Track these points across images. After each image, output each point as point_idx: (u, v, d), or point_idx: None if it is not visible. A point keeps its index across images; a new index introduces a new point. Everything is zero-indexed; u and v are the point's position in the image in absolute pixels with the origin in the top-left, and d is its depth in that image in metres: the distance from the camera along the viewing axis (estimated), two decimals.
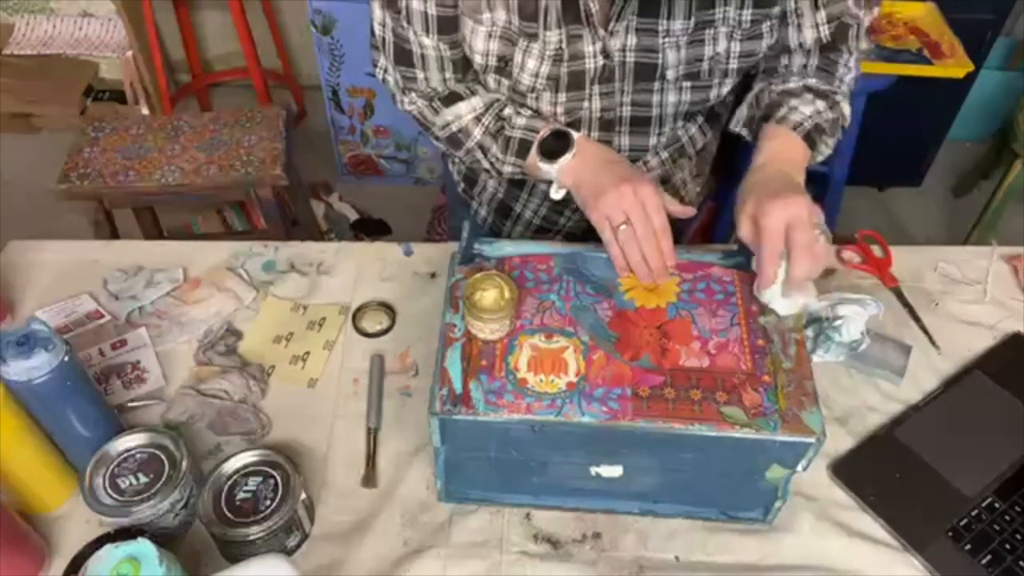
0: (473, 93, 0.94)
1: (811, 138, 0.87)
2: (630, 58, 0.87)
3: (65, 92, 2.56)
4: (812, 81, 0.91)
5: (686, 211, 0.85)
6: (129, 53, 2.50)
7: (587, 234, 0.84)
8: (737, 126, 0.97)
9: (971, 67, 1.93)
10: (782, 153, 0.86)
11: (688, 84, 0.91)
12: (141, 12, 2.39)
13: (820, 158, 0.91)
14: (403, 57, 0.91)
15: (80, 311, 1.02)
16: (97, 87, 2.71)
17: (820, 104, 0.89)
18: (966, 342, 1.01)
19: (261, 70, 2.51)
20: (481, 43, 0.87)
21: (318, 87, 2.38)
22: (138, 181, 1.73)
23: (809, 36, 0.90)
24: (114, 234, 1.79)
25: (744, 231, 0.80)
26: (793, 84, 0.91)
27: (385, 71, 0.96)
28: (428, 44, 0.88)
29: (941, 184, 2.55)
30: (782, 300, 0.79)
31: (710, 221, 2.23)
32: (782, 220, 0.76)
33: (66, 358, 0.76)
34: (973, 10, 2.05)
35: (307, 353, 0.99)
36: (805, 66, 0.93)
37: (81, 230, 1.77)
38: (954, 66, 1.94)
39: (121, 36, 2.52)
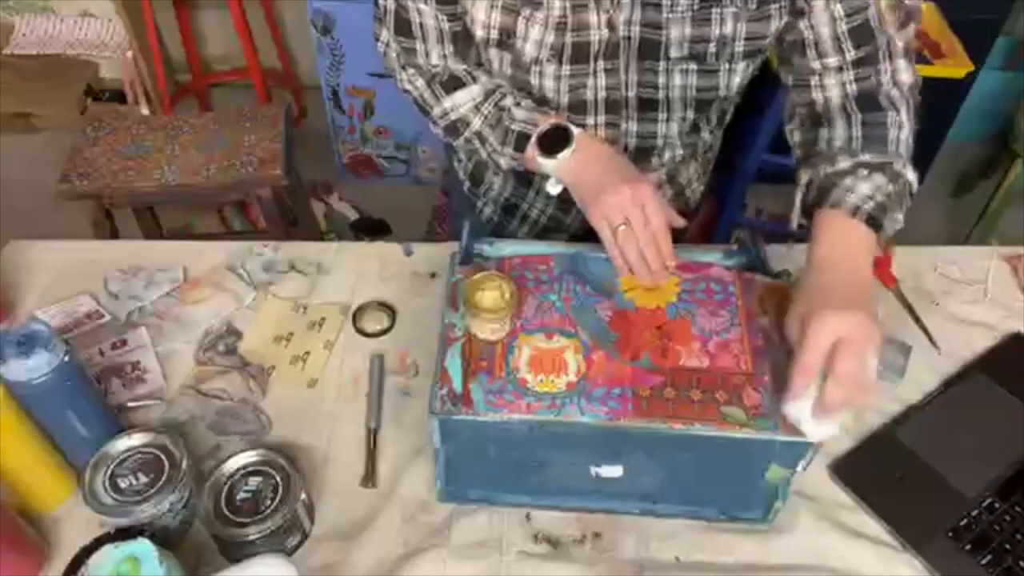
0: (474, 80, 0.93)
1: (875, 220, 0.78)
2: (635, 32, 0.85)
3: (65, 92, 2.56)
4: (865, 157, 0.82)
5: (681, 221, 0.84)
6: (129, 53, 2.50)
7: (592, 234, 0.84)
8: (798, 218, 0.87)
9: (971, 67, 1.93)
10: (843, 246, 0.78)
11: (694, 66, 0.88)
12: (141, 12, 2.39)
13: (891, 233, 0.81)
14: (403, 26, 0.91)
15: (80, 311, 1.02)
16: (97, 87, 2.71)
17: (879, 179, 0.80)
18: (966, 342, 1.01)
19: (261, 70, 2.51)
20: (483, 14, 0.86)
21: (318, 87, 2.38)
22: (138, 181, 1.73)
23: (826, 32, 0.84)
24: (114, 234, 1.79)
25: (792, 331, 0.73)
26: (843, 164, 0.83)
27: (387, 44, 0.95)
28: (427, 12, 0.88)
29: (941, 184, 2.55)
30: (811, 422, 0.70)
31: (710, 220, 2.24)
32: (832, 334, 0.68)
33: (66, 358, 0.76)
34: (973, 10, 2.05)
35: (307, 353, 0.99)
36: (850, 138, 0.85)
37: (81, 230, 1.76)
38: (954, 66, 1.93)
39: (121, 36, 2.52)
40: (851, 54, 0.85)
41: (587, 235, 0.87)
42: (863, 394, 0.69)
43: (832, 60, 0.86)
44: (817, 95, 0.89)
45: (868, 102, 0.86)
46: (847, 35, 0.84)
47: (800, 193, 0.86)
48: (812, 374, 0.69)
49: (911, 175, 0.83)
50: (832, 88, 0.88)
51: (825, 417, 0.69)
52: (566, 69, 0.89)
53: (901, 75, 0.87)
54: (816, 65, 0.87)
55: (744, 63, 0.89)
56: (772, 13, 0.84)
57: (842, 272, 0.76)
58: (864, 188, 0.79)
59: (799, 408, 0.70)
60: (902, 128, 0.85)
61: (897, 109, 0.86)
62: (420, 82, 0.95)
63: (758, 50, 0.88)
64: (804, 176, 0.86)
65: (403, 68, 0.95)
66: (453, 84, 0.93)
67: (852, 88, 0.87)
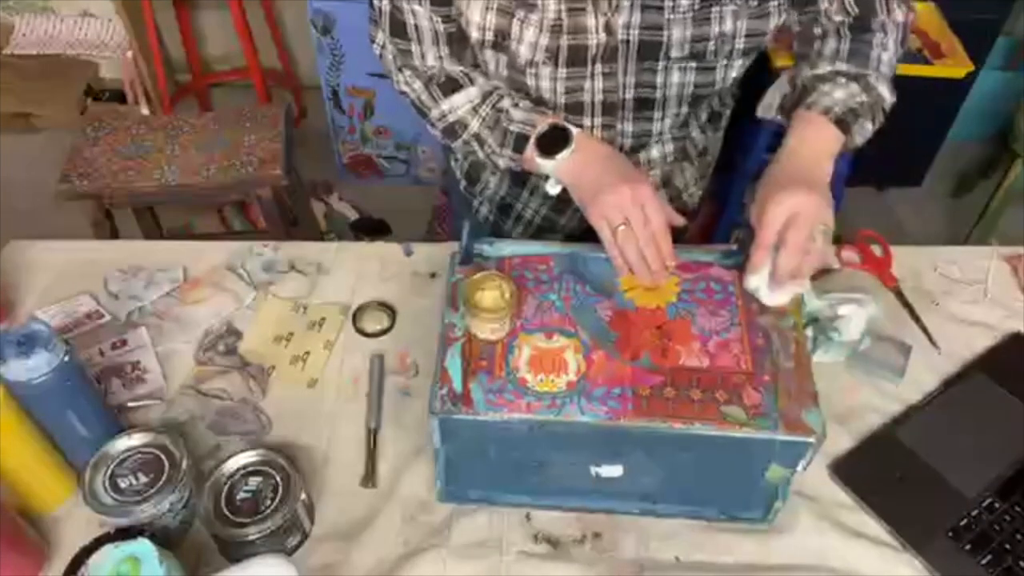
0: (471, 81, 0.93)
1: (844, 123, 0.85)
2: (634, 36, 0.85)
3: (65, 92, 2.55)
4: (843, 66, 0.89)
5: (680, 220, 0.85)
6: (129, 53, 2.50)
7: (587, 234, 0.84)
8: (768, 112, 0.95)
9: (971, 67, 1.93)
10: (810, 141, 0.85)
11: (693, 64, 0.89)
12: (141, 12, 2.39)
13: (860, 141, 0.88)
14: (398, 28, 0.90)
15: (80, 311, 1.02)
16: (97, 87, 2.70)
17: (853, 87, 0.86)
18: (966, 342, 1.01)
19: (261, 70, 2.51)
20: (478, 16, 0.85)
21: (318, 87, 2.38)
22: (138, 181, 1.73)
23: (835, 6, 0.90)
24: (114, 234, 1.79)
25: (753, 216, 0.81)
26: (823, 70, 0.89)
27: (382, 46, 0.94)
28: (421, 13, 0.88)
29: (941, 184, 2.54)
30: (767, 291, 0.80)
31: (710, 221, 2.24)
32: (783, 212, 0.77)
33: (66, 358, 0.76)
34: (973, 10, 2.05)
35: (307, 353, 0.99)
36: (837, 51, 0.91)
37: (81, 230, 1.76)
38: (954, 66, 1.94)
39: (121, 36, 2.52)
40: (854, 11, 0.90)
41: (583, 236, 0.87)
42: (812, 261, 0.78)
43: (837, 17, 0.91)
44: (818, 33, 0.94)
45: (860, 28, 0.92)
46: (854, 7, 0.90)
47: (779, 90, 0.93)
48: (767, 249, 0.78)
49: (886, 92, 0.89)
50: (831, 28, 0.93)
51: (780, 286, 0.79)
52: (562, 72, 0.89)
53: (895, 14, 0.92)
54: (825, 23, 0.93)
55: (742, 60, 0.91)
56: (772, 11, 0.86)
57: (803, 163, 0.83)
58: (839, 94, 0.86)
59: (758, 279, 0.80)
60: (886, 49, 0.91)
61: (886, 34, 0.91)
62: (417, 84, 0.95)
63: (757, 47, 0.89)
64: (787, 74, 0.93)
65: (399, 70, 0.95)
66: (450, 86, 0.93)
67: (848, 20, 0.92)
